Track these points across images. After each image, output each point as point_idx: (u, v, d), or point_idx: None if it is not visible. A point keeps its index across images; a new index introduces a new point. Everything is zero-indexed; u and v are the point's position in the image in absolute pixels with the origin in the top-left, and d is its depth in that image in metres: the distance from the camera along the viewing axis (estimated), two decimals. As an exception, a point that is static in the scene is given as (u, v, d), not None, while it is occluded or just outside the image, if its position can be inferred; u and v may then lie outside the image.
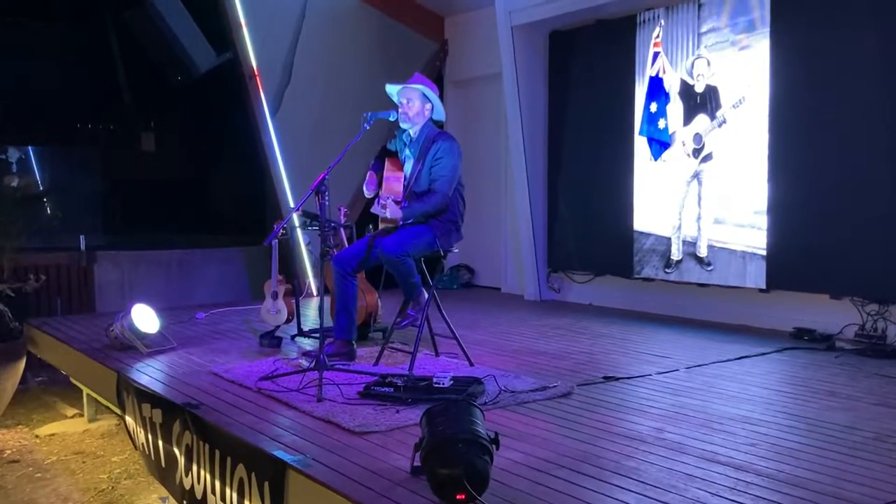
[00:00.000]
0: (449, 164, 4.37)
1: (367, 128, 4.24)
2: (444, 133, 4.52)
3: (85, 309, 6.89)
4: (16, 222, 5.94)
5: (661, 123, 6.28)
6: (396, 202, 4.33)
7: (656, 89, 6.31)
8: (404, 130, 4.54)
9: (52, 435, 5.25)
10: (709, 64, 5.93)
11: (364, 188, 4.55)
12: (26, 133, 8.61)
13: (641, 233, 6.49)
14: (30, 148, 8.07)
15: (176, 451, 3.57)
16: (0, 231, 5.75)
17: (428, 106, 4.46)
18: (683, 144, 6.14)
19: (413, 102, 4.43)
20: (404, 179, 4.47)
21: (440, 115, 4.54)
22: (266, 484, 2.87)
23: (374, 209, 4.35)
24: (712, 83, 5.92)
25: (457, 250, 4.58)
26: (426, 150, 4.41)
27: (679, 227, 6.20)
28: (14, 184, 6.82)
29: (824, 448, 3.04)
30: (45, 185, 7.77)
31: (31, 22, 9.17)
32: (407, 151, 4.53)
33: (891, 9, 4.95)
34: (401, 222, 4.37)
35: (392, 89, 4.51)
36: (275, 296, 5.17)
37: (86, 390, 5.27)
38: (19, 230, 5.95)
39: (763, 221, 5.60)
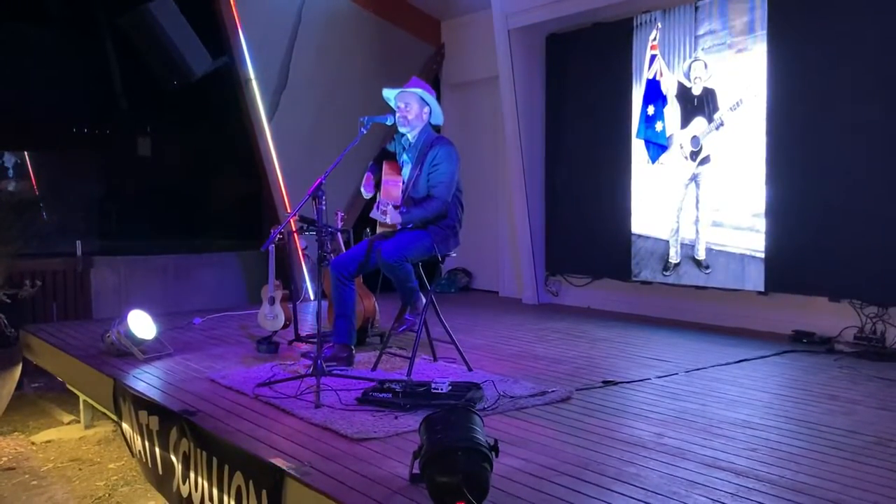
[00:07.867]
0: (447, 170, 4.36)
1: (365, 132, 4.23)
2: (441, 138, 4.50)
3: (81, 315, 6.86)
4: (11, 228, 5.92)
5: (659, 126, 6.27)
6: (395, 207, 4.31)
7: (653, 92, 6.30)
8: (402, 135, 4.52)
9: (49, 442, 5.22)
10: (706, 66, 5.93)
11: (362, 189, 4.55)
12: (22, 138, 8.59)
13: (639, 236, 6.47)
14: (25, 153, 8.04)
15: (173, 458, 3.54)
16: (-4, 237, 5.74)
17: (426, 110, 4.45)
18: (681, 147, 6.13)
19: (411, 106, 4.41)
20: (402, 184, 4.45)
21: (438, 118, 4.52)
22: (264, 492, 2.85)
23: (374, 214, 4.34)
24: (710, 86, 5.91)
25: (455, 255, 4.56)
26: (424, 155, 4.39)
27: (677, 230, 6.18)
28: (10, 189, 6.80)
29: (825, 453, 3.03)
30: (41, 190, 7.75)
31: (26, 27, 9.14)
32: (405, 156, 4.50)
33: (890, 10, 4.94)
34: (399, 227, 4.36)
35: (389, 93, 4.50)
36: (272, 301, 5.15)
37: (82, 397, 5.24)
38: (15, 236, 5.93)
39: (761, 224, 5.59)
